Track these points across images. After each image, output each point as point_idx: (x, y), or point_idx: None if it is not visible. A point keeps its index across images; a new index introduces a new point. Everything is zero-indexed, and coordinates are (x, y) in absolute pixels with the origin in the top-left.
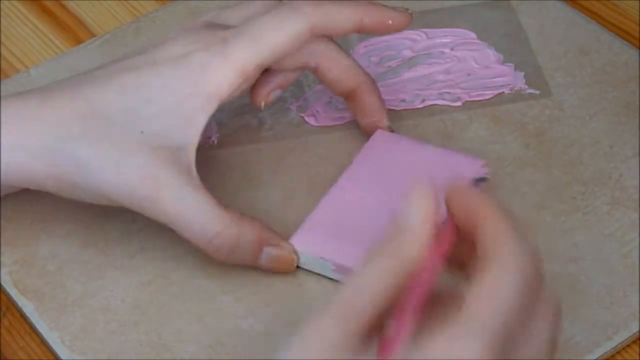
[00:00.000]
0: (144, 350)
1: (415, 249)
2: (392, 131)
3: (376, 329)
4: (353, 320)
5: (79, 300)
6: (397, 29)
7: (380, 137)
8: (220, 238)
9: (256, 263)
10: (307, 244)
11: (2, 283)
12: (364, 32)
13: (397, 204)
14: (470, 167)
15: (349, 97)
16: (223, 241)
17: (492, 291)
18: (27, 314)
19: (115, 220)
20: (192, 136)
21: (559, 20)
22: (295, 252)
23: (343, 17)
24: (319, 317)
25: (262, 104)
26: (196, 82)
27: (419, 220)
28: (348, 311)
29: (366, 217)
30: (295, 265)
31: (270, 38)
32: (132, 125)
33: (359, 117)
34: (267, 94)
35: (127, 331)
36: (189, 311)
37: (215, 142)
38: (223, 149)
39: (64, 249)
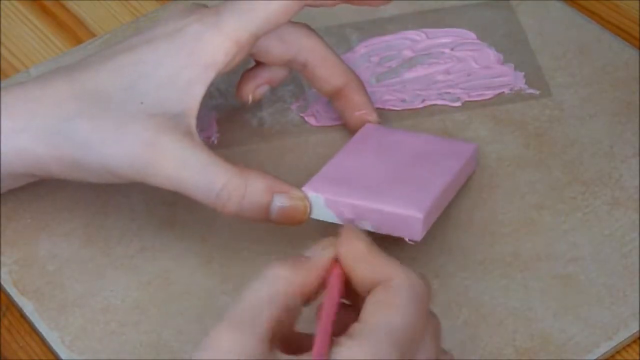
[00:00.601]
0: (144, 350)
1: (310, 274)
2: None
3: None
4: (248, 329)
5: (79, 300)
6: (384, 2)
7: (370, 128)
8: (227, 189)
9: (267, 216)
10: (318, 190)
11: (2, 283)
12: (353, 3)
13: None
14: (462, 151)
15: (335, 95)
16: (230, 192)
17: (386, 300)
18: (27, 314)
19: (115, 220)
20: (191, 104)
21: (559, 20)
22: (307, 199)
23: None
24: (217, 326)
25: (250, 99)
26: (190, 53)
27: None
28: (244, 320)
29: (367, 179)
30: (308, 213)
31: (262, 7)
32: (130, 99)
33: (347, 114)
34: (255, 88)
35: (127, 331)
36: (189, 311)
37: (215, 141)
38: (223, 149)
39: (64, 249)
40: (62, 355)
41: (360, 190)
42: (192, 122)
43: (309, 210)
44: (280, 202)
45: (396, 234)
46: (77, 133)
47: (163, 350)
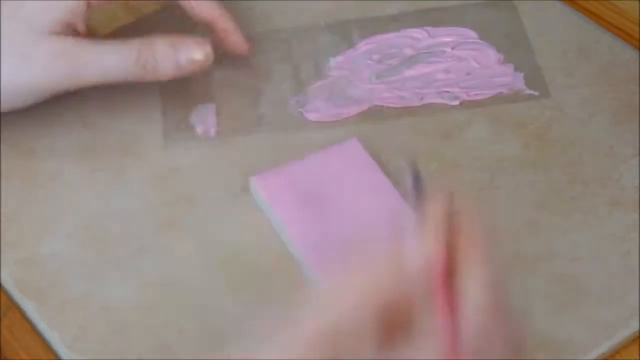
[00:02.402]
0: (144, 351)
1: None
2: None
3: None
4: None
5: (79, 300)
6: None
7: (350, 149)
8: (142, 56)
9: (179, 68)
10: (265, 187)
11: (3, 283)
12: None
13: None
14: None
15: (209, 27)
16: (146, 58)
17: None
18: (28, 314)
19: (115, 220)
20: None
21: (559, 20)
22: (209, 48)
23: None
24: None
25: None
26: None
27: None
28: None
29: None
30: (211, 60)
31: None
32: (20, 22)
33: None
34: None
35: (127, 331)
36: (189, 311)
37: (214, 134)
38: (221, 143)
39: (64, 249)
40: (62, 355)
41: (299, 213)
42: (80, 19)
43: (211, 55)
44: (186, 53)
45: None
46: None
47: (163, 350)
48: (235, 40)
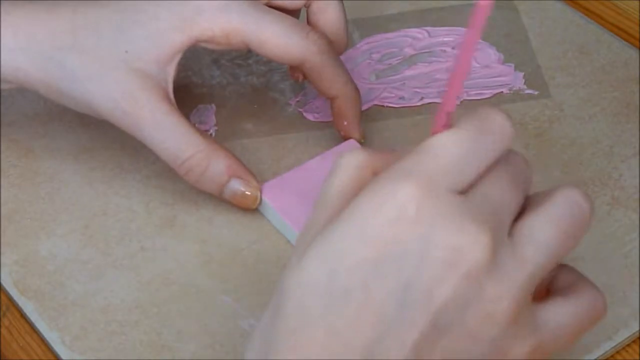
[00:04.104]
0: (144, 350)
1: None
2: (361, 143)
3: None
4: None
5: (79, 300)
6: None
7: (349, 146)
8: (191, 162)
9: (221, 194)
10: (273, 198)
11: (2, 283)
12: None
13: None
14: None
15: (331, 101)
16: (193, 165)
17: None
18: (27, 314)
19: (115, 220)
20: (169, 68)
21: (559, 20)
22: (260, 191)
23: None
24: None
25: (300, 77)
26: (186, 19)
27: None
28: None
29: None
30: (258, 202)
31: (269, 34)
32: (118, 42)
33: (337, 121)
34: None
35: (127, 331)
36: (189, 311)
37: (213, 134)
38: (221, 142)
39: (64, 249)
40: (62, 355)
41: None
42: (170, 87)
43: (259, 200)
44: (235, 186)
45: None
46: (66, 65)
47: (163, 350)
48: (352, 127)
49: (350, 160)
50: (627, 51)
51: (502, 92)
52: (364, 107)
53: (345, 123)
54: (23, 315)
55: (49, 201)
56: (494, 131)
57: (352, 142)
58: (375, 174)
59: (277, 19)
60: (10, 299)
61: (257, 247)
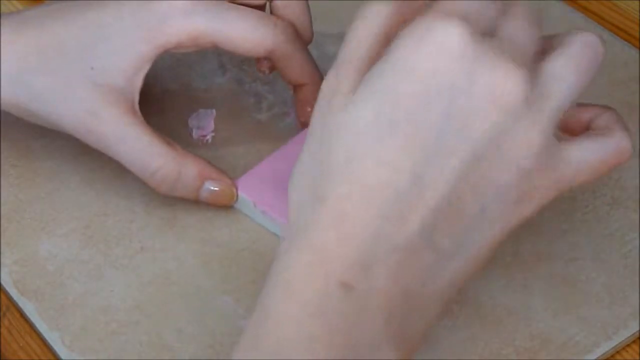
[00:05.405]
0: (144, 351)
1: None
2: None
3: None
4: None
5: (79, 300)
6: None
7: None
8: (161, 173)
9: (197, 198)
10: (247, 190)
11: (2, 283)
12: None
13: None
14: None
15: (296, 89)
16: (164, 176)
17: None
18: (27, 314)
19: (115, 220)
20: (136, 80)
21: (559, 20)
22: (235, 186)
23: None
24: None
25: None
26: (151, 29)
27: None
28: (344, 59)
29: None
30: (235, 198)
31: (237, 31)
32: (85, 60)
33: (299, 108)
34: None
35: (127, 331)
36: (189, 311)
37: (210, 140)
38: (220, 149)
39: (64, 249)
40: (62, 355)
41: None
42: (136, 98)
43: (235, 196)
44: (209, 187)
45: None
46: (33, 87)
47: (163, 350)
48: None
49: (380, 8)
50: (627, 51)
51: None
52: None
53: (309, 109)
54: (23, 316)
55: (49, 201)
56: None
57: None
58: (405, 21)
59: (243, 14)
60: (10, 299)
61: (257, 247)
